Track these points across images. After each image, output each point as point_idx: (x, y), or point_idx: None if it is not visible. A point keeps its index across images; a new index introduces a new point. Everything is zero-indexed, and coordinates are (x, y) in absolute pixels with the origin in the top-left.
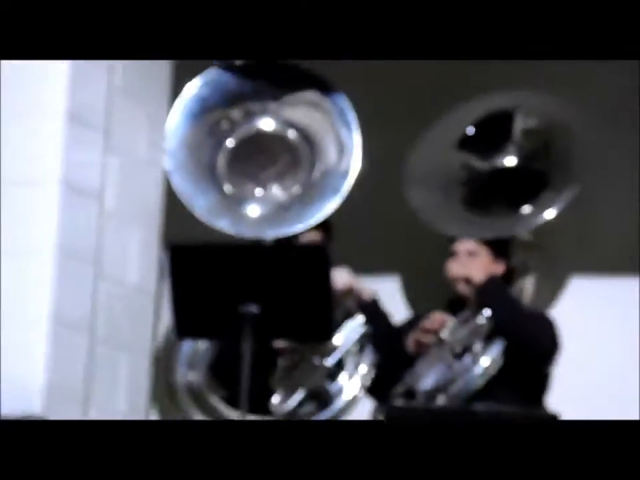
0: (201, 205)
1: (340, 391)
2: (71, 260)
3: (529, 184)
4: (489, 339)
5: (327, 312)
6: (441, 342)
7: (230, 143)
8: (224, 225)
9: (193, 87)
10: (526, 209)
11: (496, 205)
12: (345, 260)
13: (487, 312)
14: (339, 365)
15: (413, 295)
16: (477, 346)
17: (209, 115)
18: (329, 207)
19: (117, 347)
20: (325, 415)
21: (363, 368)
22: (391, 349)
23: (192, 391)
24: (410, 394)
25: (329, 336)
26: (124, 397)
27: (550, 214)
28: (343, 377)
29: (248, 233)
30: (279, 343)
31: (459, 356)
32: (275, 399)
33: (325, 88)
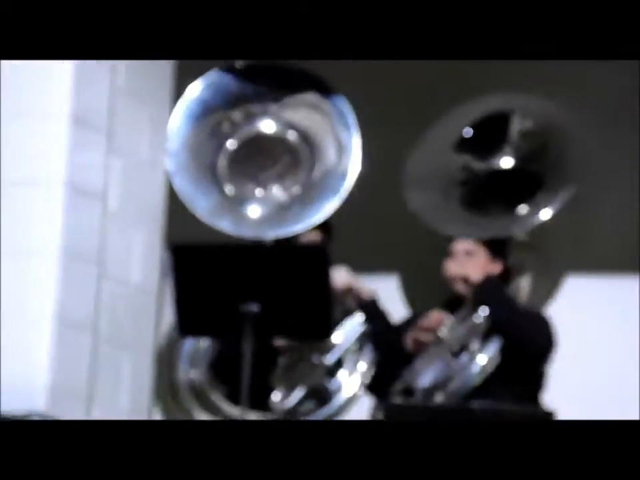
0: (202, 205)
1: (339, 388)
2: (75, 260)
3: (525, 185)
4: (486, 338)
5: (326, 310)
6: (439, 340)
7: (231, 144)
8: (225, 225)
9: (195, 89)
10: (522, 209)
11: (493, 206)
12: (345, 259)
13: (484, 311)
14: (339, 363)
15: (411, 294)
16: (474, 344)
17: (210, 116)
18: (328, 208)
19: (119, 346)
20: (324, 412)
21: (362, 366)
22: (389, 347)
23: (194, 389)
24: (408, 391)
25: (329, 334)
26: (127, 395)
27: (546, 214)
28: (342, 375)
29: (249, 233)
30: (279, 341)
31: (456, 354)
32: (275, 396)
33: (325, 90)
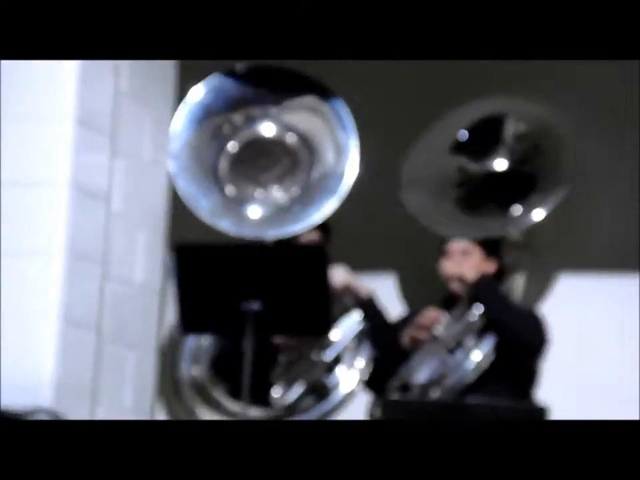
0: (203, 206)
1: (338, 384)
2: (79, 260)
3: (519, 186)
4: (480, 335)
5: (325, 308)
6: (434, 337)
7: (232, 146)
8: (226, 225)
9: (196, 93)
10: (516, 210)
11: (488, 206)
12: (343, 258)
13: (479, 308)
14: (337, 360)
15: (408, 292)
16: (469, 341)
17: (211, 119)
18: (327, 208)
19: (123, 344)
20: (323, 408)
21: (360, 362)
22: (386, 344)
23: (196, 385)
24: (405, 387)
25: (327, 331)
26: (130, 391)
27: (539, 215)
28: (340, 371)
29: (249, 233)
30: (279, 338)
31: (452, 351)
32: (276, 392)
33: (324, 93)
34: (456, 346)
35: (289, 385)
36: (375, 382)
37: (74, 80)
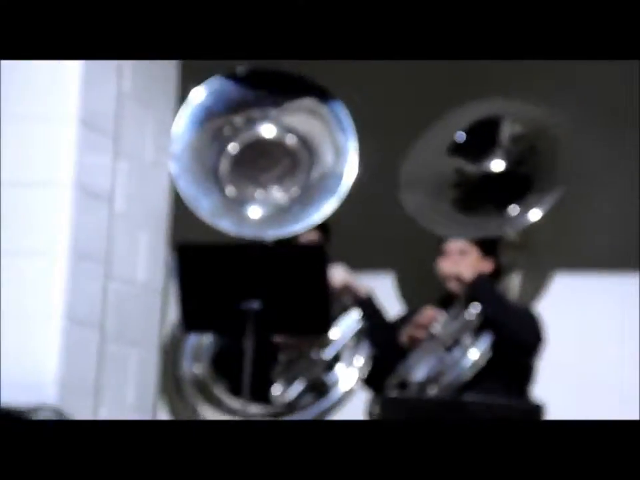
0: (205, 206)
1: (337, 382)
2: (83, 260)
3: (515, 187)
4: (477, 333)
5: (324, 307)
6: (432, 336)
7: (232, 147)
8: (227, 225)
9: (198, 95)
10: (513, 210)
11: (485, 207)
12: (342, 258)
13: (476, 307)
14: (336, 358)
15: (406, 291)
16: (467, 339)
17: (212, 121)
18: (326, 209)
19: (126, 342)
20: (322, 405)
21: (359, 360)
22: (385, 342)
23: (197, 383)
24: (403, 385)
25: (327, 330)
26: (133, 389)
27: (535, 215)
28: (340, 369)
29: (250, 233)
30: (280, 337)
31: (449, 349)
32: (276, 390)
33: (323, 96)
34: (453, 344)
35: (289, 382)
36: (373, 379)
37: (77, 81)
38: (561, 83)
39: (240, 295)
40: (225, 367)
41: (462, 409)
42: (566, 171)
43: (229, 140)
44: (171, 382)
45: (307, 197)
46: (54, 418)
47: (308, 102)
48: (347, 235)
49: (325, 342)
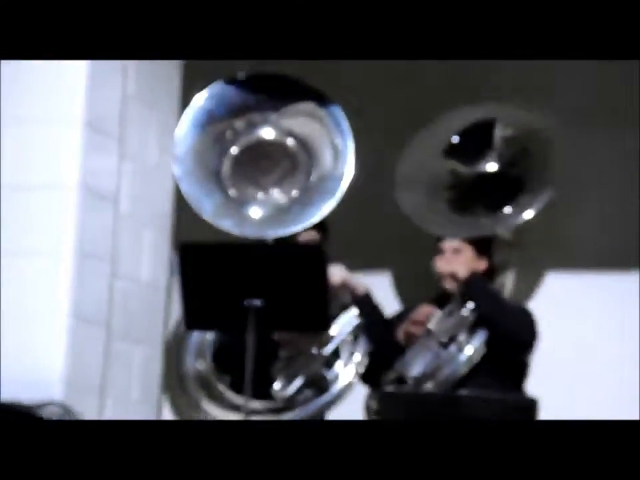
0: (207, 207)
1: (336, 377)
2: (89, 259)
3: (508, 188)
4: (472, 330)
5: (323, 305)
6: (428, 332)
7: (234, 150)
8: (228, 225)
9: (200, 99)
10: (506, 210)
11: (479, 207)
12: (340, 257)
13: (471, 305)
14: (335, 354)
15: (403, 289)
16: (462, 336)
17: (214, 125)
18: (325, 209)
19: (131, 339)
20: (322, 400)
21: (357, 356)
22: (382, 338)
23: (200, 379)
24: (400, 380)
25: (326, 327)
26: (138, 385)
27: (528, 215)
28: (338, 365)
29: (251, 233)
30: (280, 334)
31: (445, 345)
32: (277, 385)
33: (321, 99)
34: (449, 340)
35: (289, 378)
36: (371, 375)
37: (83, 85)
38: (561, 83)
39: (241, 293)
40: (227, 363)
41: (457, 404)
42: (557, 172)
43: (230, 143)
44: (175, 378)
45: (306, 198)
46: (60, 413)
47: (307, 106)
48: (345, 235)
49: (324, 338)
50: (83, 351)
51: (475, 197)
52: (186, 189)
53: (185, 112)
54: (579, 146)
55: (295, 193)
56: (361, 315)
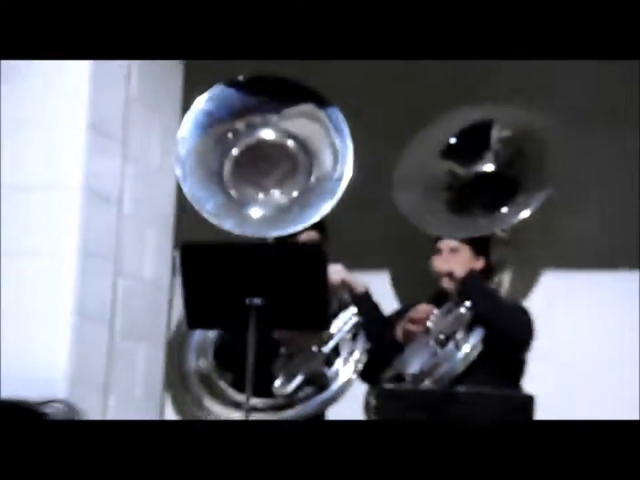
0: (208, 207)
1: (336, 375)
2: (93, 258)
3: (505, 188)
4: (469, 328)
5: (323, 303)
6: (426, 330)
7: (235, 151)
8: (230, 225)
9: (201, 102)
10: (503, 210)
11: (476, 207)
12: (340, 257)
13: (468, 303)
14: (335, 352)
15: (401, 288)
16: (459, 334)
17: (215, 127)
18: (324, 209)
19: (134, 338)
20: (322, 397)
21: (357, 354)
22: (381, 336)
23: (202, 377)
24: (399, 377)
25: (326, 325)
26: (141, 382)
27: (524, 214)
28: (338, 362)
29: (251, 232)
30: (281, 332)
31: (442, 343)
32: (277, 383)
33: (320, 101)
34: (446, 338)
35: (289, 376)
36: (370, 372)
37: (86, 89)
38: (561, 83)
39: (242, 292)
40: (229, 361)
41: (454, 400)
42: (554, 172)
43: (231, 144)
44: (177, 376)
45: (306, 199)
46: (65, 410)
47: (306, 108)
48: (344, 235)
49: (324, 337)
50: (86, 348)
51: (472, 197)
52: (188, 190)
53: (186, 114)
54: (579, 146)
55: (294, 193)
56: (360, 313)
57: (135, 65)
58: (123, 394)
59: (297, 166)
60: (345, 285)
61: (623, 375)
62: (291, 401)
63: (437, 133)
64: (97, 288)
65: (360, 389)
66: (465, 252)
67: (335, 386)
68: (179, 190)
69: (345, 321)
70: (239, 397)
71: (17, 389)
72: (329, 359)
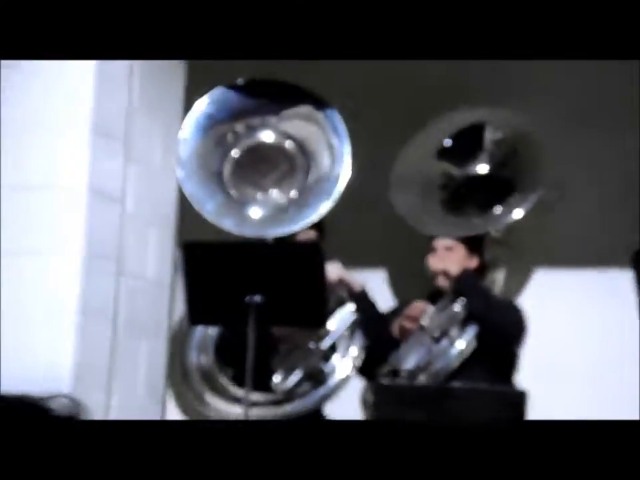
0: (209, 207)
1: (333, 370)
2: (96, 257)
3: (499, 188)
4: (463, 325)
5: (321, 301)
6: (422, 327)
7: (235, 153)
8: (230, 225)
9: (202, 104)
10: (497, 210)
11: (471, 207)
12: (337, 255)
13: (462, 301)
14: (332, 348)
15: (397, 286)
16: (454, 331)
17: (215, 128)
18: (322, 209)
19: (136, 334)
20: (320, 392)
21: (354, 350)
22: (378, 333)
23: (203, 372)
24: (394, 373)
25: (324, 322)
26: (143, 378)
27: (518, 214)
28: (335, 359)
29: (251, 232)
30: (280, 329)
31: (437, 340)
32: (276, 378)
33: (318, 103)
34: (441, 335)
35: (288, 371)
36: (367, 368)
37: (90, 91)
38: (561, 83)
39: (242, 290)
40: (229, 357)
41: (449, 395)
42: (545, 173)
43: (231, 146)
44: (179, 372)
45: (304, 199)
46: (69, 405)
47: (304, 109)
48: (342, 234)
49: (322, 333)
50: (90, 345)
51: (467, 198)
52: (189, 190)
53: (187, 116)
54: (578, 146)
55: (293, 193)
56: (357, 310)
57: (138, 66)
58: (126, 390)
59: (295, 166)
60: (342, 283)
61: (615, 372)
62: (289, 395)
63: (433, 135)
64: (100, 286)
65: (357, 385)
66: (460, 251)
67: (332, 381)
68: (180, 190)
69: (343, 318)
70: (239, 392)
71: (22, 385)
72: (327, 355)
